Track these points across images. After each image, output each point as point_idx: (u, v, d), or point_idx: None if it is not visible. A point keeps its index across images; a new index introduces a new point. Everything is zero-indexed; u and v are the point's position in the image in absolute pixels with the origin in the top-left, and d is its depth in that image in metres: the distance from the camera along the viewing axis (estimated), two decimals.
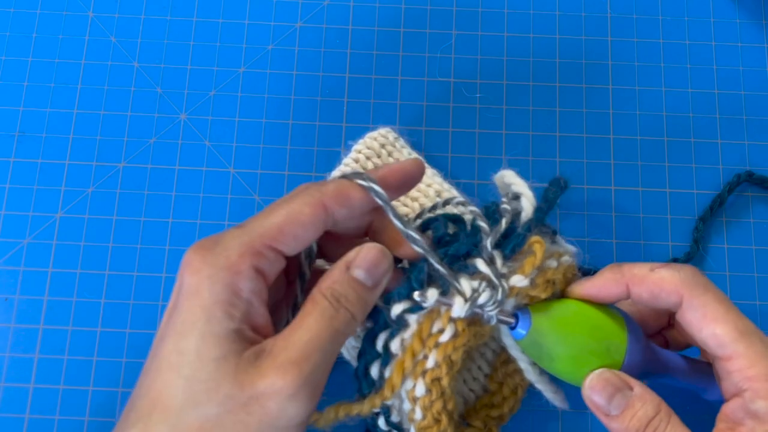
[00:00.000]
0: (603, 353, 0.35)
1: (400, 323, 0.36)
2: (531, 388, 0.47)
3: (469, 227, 0.37)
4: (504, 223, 0.37)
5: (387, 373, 0.36)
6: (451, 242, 0.36)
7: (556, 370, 0.36)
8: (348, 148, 0.49)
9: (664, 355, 0.38)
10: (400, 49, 0.54)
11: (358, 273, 0.34)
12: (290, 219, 0.33)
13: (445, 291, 0.35)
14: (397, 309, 0.35)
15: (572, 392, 0.46)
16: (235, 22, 0.54)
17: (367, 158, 0.48)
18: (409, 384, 0.36)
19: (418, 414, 0.36)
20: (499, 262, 0.36)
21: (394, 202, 0.42)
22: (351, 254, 0.34)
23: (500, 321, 0.35)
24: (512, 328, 0.35)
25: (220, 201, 0.50)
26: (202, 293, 0.31)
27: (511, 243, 0.36)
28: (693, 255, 0.48)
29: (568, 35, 0.54)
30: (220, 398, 0.30)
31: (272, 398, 0.30)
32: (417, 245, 0.35)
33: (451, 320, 0.35)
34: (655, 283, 0.35)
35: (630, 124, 0.52)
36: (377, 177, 0.35)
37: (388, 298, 0.36)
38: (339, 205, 0.34)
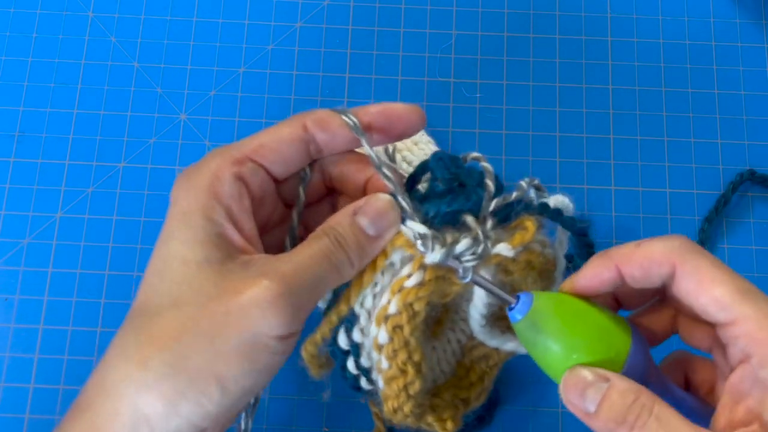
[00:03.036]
0: (600, 356, 0.32)
1: None
2: (527, 384, 0.47)
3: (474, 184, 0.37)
4: (514, 195, 0.37)
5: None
6: (446, 195, 0.36)
7: (545, 363, 0.34)
8: None
9: (664, 377, 0.35)
10: (400, 48, 0.54)
11: (362, 220, 0.34)
12: (270, 136, 0.35)
13: (428, 238, 0.34)
14: None
15: None
16: (235, 22, 0.54)
17: None
18: (373, 330, 0.36)
19: (384, 363, 0.36)
20: (489, 223, 0.35)
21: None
22: (360, 201, 0.35)
23: (497, 296, 0.34)
24: (510, 308, 0.34)
25: None
26: (180, 201, 0.33)
27: (505, 211, 0.36)
28: None
29: (568, 35, 0.54)
30: (201, 300, 0.31)
31: (253, 304, 0.30)
32: (388, 181, 0.35)
33: (422, 267, 0.34)
34: (645, 256, 0.32)
35: (630, 124, 0.52)
36: (362, 113, 0.36)
37: None
38: (319, 127, 0.35)
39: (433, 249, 0.34)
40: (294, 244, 0.36)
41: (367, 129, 0.36)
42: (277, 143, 0.35)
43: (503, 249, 0.35)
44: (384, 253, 0.35)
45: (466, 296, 0.41)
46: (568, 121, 0.52)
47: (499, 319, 0.39)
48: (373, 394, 0.39)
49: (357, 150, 0.37)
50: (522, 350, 0.39)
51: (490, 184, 0.36)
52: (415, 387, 0.37)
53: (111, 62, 0.53)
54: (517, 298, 0.34)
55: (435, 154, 0.38)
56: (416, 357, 0.36)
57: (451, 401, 0.41)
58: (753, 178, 0.50)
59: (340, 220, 0.34)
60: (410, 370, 0.36)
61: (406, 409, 0.37)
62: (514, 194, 0.37)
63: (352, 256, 0.34)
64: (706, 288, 0.31)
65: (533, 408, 0.46)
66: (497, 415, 0.46)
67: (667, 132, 0.52)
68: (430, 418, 0.39)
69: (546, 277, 0.39)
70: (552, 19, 0.55)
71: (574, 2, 0.55)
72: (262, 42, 0.54)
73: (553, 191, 0.49)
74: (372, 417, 0.44)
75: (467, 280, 0.34)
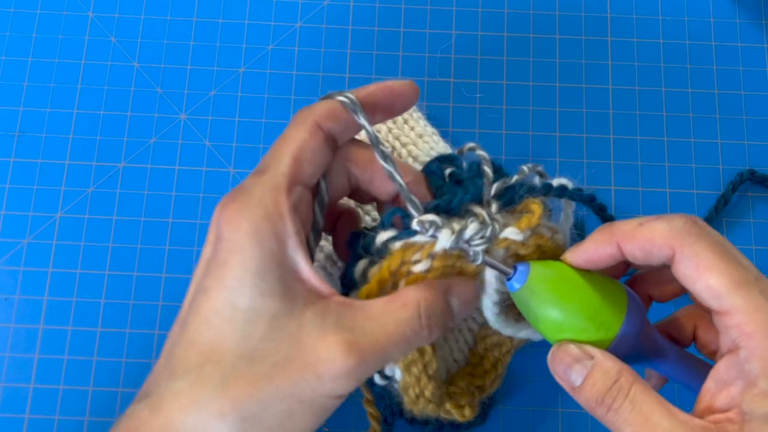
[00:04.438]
0: (591, 328, 0.33)
1: (383, 252, 0.35)
2: (526, 383, 0.47)
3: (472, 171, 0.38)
4: (515, 178, 0.37)
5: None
6: (447, 191, 0.36)
7: (540, 330, 0.35)
8: None
9: (662, 343, 0.36)
10: (400, 49, 0.54)
11: (455, 302, 0.34)
12: (297, 148, 0.33)
13: (440, 226, 0.34)
14: (383, 236, 0.35)
15: None
16: (235, 22, 0.54)
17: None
18: None
19: None
20: (494, 206, 0.36)
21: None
22: (452, 281, 0.35)
23: (498, 269, 0.35)
24: (508, 279, 0.35)
25: None
26: (248, 249, 0.31)
27: (508, 195, 0.36)
28: None
29: (568, 35, 0.54)
30: (277, 357, 0.30)
31: (331, 373, 0.30)
32: (393, 175, 0.34)
33: (430, 255, 0.34)
34: (645, 237, 0.32)
35: (630, 124, 0.52)
36: (364, 94, 0.35)
37: (379, 226, 0.36)
38: (330, 121, 0.34)
39: (438, 236, 0.34)
40: (318, 243, 0.36)
41: (371, 109, 0.35)
42: (309, 153, 0.34)
43: (511, 233, 0.35)
44: (396, 256, 0.35)
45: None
46: (568, 121, 0.52)
47: (512, 308, 0.39)
48: (386, 390, 0.39)
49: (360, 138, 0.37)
50: (537, 337, 0.39)
51: (488, 170, 0.37)
52: (434, 366, 0.37)
53: (111, 62, 0.53)
54: (515, 268, 0.34)
55: (426, 168, 0.38)
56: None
57: (467, 388, 0.42)
58: (753, 178, 0.50)
59: (437, 297, 0.33)
60: (428, 349, 0.37)
61: (428, 392, 0.37)
62: (515, 177, 0.37)
63: (433, 335, 0.33)
64: (702, 275, 0.31)
65: (533, 408, 0.46)
66: (498, 414, 0.46)
67: (667, 132, 0.52)
68: (448, 405, 0.40)
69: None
70: (552, 19, 0.55)
71: (574, 2, 0.55)
72: (262, 42, 0.54)
73: None
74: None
75: (478, 261, 0.34)
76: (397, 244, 0.35)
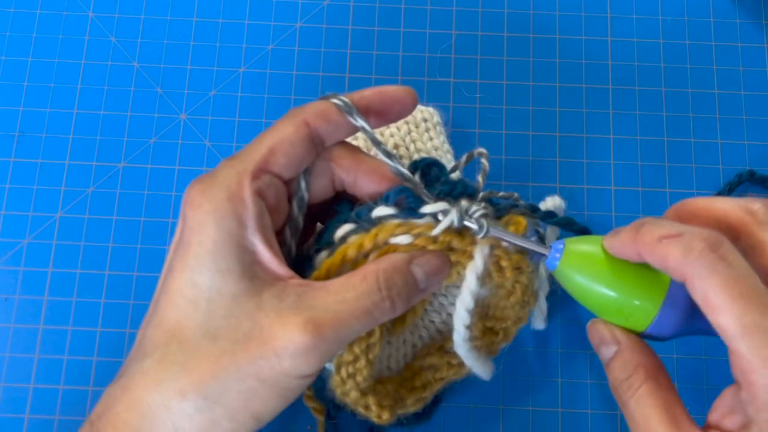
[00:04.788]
0: (625, 313, 0.33)
1: (372, 224, 0.35)
2: (527, 386, 0.47)
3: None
4: (500, 194, 0.39)
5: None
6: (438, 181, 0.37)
7: (582, 304, 0.36)
8: None
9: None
10: (400, 49, 0.54)
11: (418, 272, 0.34)
12: (278, 140, 0.34)
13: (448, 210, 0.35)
14: (383, 210, 0.35)
15: (572, 392, 0.46)
16: (235, 22, 0.54)
17: (405, 122, 0.48)
18: None
19: None
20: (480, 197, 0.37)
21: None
22: (417, 252, 0.35)
23: (534, 251, 0.36)
24: (544, 259, 0.36)
25: None
26: (207, 228, 0.32)
27: (494, 206, 0.37)
28: None
29: (568, 35, 0.54)
30: (238, 336, 0.31)
31: (288, 351, 0.31)
32: (401, 172, 0.35)
33: (421, 235, 0.35)
34: (661, 257, 0.31)
35: (630, 124, 0.52)
36: (358, 97, 0.35)
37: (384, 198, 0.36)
38: (320, 120, 0.35)
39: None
40: (296, 240, 0.36)
41: (365, 112, 0.35)
42: (287, 146, 0.34)
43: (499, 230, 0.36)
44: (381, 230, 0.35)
45: (435, 305, 0.41)
46: (568, 121, 0.52)
47: (476, 338, 0.40)
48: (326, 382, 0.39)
49: (351, 140, 0.38)
50: (486, 375, 0.40)
51: (485, 162, 0.38)
52: (375, 351, 0.37)
53: (111, 62, 0.53)
54: (550, 247, 0.35)
55: (417, 163, 0.38)
56: (373, 339, 0.37)
57: (392, 393, 0.41)
58: (752, 179, 0.50)
59: (396, 266, 0.33)
60: (376, 331, 0.36)
61: (360, 376, 0.37)
62: (501, 192, 0.39)
63: (397, 305, 0.33)
64: (711, 312, 0.30)
65: (533, 408, 0.46)
66: (498, 414, 0.46)
67: (667, 132, 0.52)
68: (370, 400, 0.39)
69: (524, 305, 0.40)
70: (552, 19, 0.55)
71: (574, 2, 0.55)
72: (262, 42, 0.54)
73: (553, 191, 0.49)
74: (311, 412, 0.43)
75: (484, 233, 0.35)
76: (395, 221, 0.35)
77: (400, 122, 0.48)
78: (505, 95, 0.53)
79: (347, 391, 0.37)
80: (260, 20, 0.54)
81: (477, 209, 0.35)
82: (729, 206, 0.33)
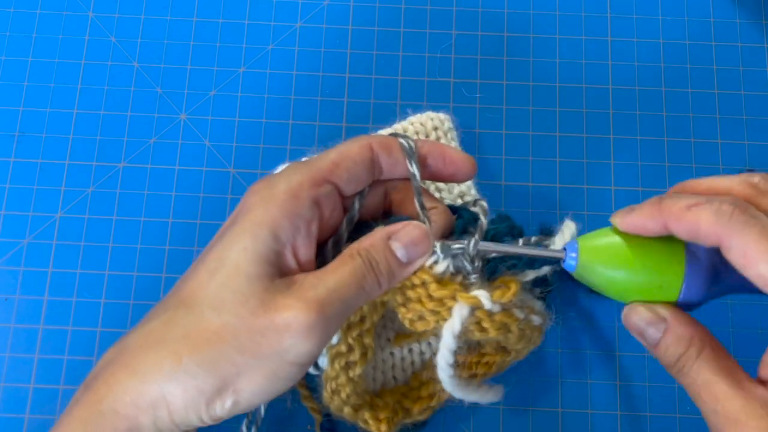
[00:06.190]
0: (654, 290, 0.34)
1: None
2: (527, 386, 0.47)
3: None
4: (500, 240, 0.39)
5: None
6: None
7: (609, 296, 0.36)
8: (404, 116, 0.50)
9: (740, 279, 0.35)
10: (400, 49, 0.54)
11: (396, 246, 0.36)
12: (342, 155, 0.36)
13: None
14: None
15: (572, 392, 0.46)
16: (235, 22, 0.54)
17: (416, 132, 0.49)
18: None
19: (334, 338, 0.38)
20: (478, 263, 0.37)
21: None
22: (396, 227, 0.36)
23: (549, 256, 0.36)
24: (562, 261, 0.36)
25: (220, 201, 0.50)
26: (255, 211, 0.34)
27: (491, 266, 0.38)
28: None
29: (568, 35, 0.54)
30: (243, 312, 0.32)
31: (289, 329, 0.32)
32: (427, 228, 0.37)
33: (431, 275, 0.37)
34: (691, 223, 0.32)
35: (630, 124, 0.52)
36: (421, 143, 0.38)
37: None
38: (383, 150, 0.37)
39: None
40: (333, 255, 0.37)
41: (422, 160, 0.38)
42: (349, 162, 0.36)
43: (481, 294, 0.36)
44: None
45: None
46: (568, 121, 0.52)
47: (463, 368, 0.40)
48: (316, 382, 0.39)
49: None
50: (485, 401, 0.41)
51: (483, 221, 0.39)
52: (357, 371, 0.38)
53: (111, 62, 0.53)
54: (564, 250, 0.36)
55: (459, 210, 0.40)
56: (368, 339, 0.38)
57: (393, 405, 0.42)
58: None
59: (374, 242, 0.35)
60: (357, 349, 0.37)
61: (344, 393, 0.38)
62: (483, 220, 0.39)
63: (381, 280, 0.35)
64: (751, 263, 0.31)
65: (533, 408, 0.46)
66: (498, 414, 0.46)
67: (667, 132, 0.52)
68: (366, 415, 0.40)
69: (528, 340, 0.40)
70: (552, 19, 0.55)
71: (574, 2, 0.55)
72: (262, 42, 0.54)
73: (553, 191, 0.50)
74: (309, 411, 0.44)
75: (474, 248, 0.36)
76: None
77: (412, 131, 0.49)
78: (505, 95, 0.53)
79: (337, 407, 0.39)
80: (260, 20, 0.54)
81: (457, 246, 0.36)
82: (732, 182, 0.33)
